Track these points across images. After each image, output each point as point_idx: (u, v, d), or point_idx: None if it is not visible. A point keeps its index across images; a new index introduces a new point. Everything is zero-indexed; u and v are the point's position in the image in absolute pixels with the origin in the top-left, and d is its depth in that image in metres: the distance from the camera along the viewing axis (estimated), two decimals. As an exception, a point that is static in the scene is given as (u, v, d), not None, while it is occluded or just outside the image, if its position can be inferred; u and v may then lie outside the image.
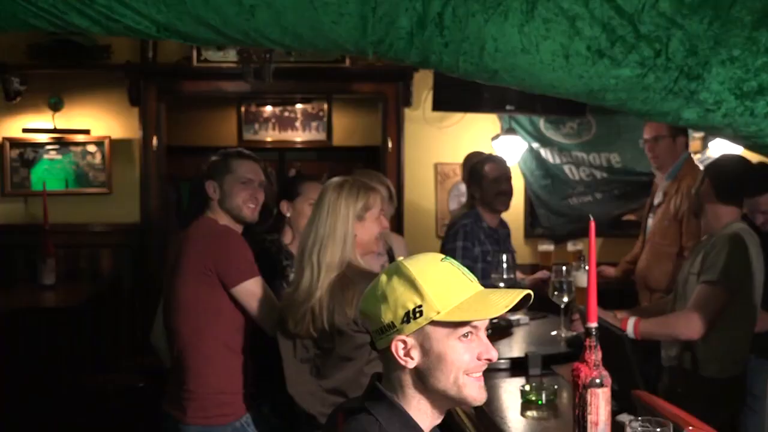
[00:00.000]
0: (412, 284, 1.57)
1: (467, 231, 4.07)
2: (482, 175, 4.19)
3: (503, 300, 1.59)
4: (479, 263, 4.06)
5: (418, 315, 1.55)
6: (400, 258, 1.65)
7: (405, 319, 1.56)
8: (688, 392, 3.05)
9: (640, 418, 1.88)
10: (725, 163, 3.39)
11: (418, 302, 1.56)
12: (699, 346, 3.09)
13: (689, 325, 3.02)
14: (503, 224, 4.39)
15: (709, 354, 3.08)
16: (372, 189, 2.71)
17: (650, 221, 4.29)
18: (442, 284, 1.58)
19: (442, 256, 1.65)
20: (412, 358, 1.58)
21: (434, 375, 1.58)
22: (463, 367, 1.58)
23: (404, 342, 1.58)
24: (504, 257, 3.78)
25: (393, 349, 1.58)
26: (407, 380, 1.61)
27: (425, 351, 1.58)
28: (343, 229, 2.60)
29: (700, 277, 3.08)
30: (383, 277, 1.62)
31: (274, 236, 3.31)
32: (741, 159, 3.35)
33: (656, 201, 4.27)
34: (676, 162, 4.15)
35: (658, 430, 1.83)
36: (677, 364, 3.19)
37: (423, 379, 1.60)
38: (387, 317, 1.58)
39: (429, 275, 1.58)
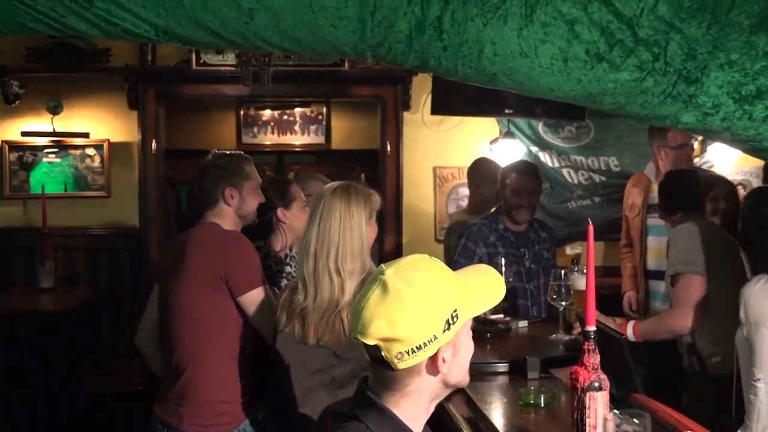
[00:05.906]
0: (441, 290, 1.53)
1: (472, 231, 3.95)
2: (504, 184, 3.98)
3: (490, 278, 1.65)
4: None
5: (455, 318, 1.53)
6: (388, 270, 1.53)
7: (446, 327, 1.52)
8: (698, 394, 3.09)
9: (616, 410, 1.89)
10: (665, 180, 3.59)
11: (454, 305, 1.53)
12: (698, 345, 3.14)
13: (679, 319, 3.13)
14: (537, 228, 4.06)
15: (710, 352, 3.10)
16: (369, 194, 2.69)
17: (650, 222, 4.25)
18: (457, 280, 1.59)
19: (426, 255, 1.62)
20: (444, 362, 1.55)
21: (454, 372, 1.58)
22: (470, 355, 1.61)
23: (441, 349, 1.54)
24: (502, 260, 3.76)
25: (438, 360, 1.54)
26: (424, 386, 1.57)
27: (454, 352, 1.57)
28: (359, 236, 2.54)
29: (665, 278, 3.26)
30: (407, 293, 1.50)
31: (261, 243, 3.28)
32: (674, 173, 3.58)
33: (653, 201, 4.25)
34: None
35: (636, 420, 1.85)
36: (687, 367, 3.24)
37: (445, 380, 1.58)
38: (428, 332, 1.50)
39: (447, 275, 1.57)
